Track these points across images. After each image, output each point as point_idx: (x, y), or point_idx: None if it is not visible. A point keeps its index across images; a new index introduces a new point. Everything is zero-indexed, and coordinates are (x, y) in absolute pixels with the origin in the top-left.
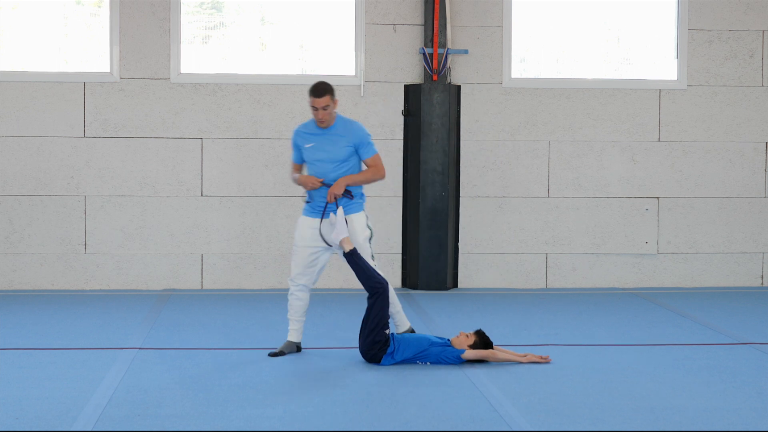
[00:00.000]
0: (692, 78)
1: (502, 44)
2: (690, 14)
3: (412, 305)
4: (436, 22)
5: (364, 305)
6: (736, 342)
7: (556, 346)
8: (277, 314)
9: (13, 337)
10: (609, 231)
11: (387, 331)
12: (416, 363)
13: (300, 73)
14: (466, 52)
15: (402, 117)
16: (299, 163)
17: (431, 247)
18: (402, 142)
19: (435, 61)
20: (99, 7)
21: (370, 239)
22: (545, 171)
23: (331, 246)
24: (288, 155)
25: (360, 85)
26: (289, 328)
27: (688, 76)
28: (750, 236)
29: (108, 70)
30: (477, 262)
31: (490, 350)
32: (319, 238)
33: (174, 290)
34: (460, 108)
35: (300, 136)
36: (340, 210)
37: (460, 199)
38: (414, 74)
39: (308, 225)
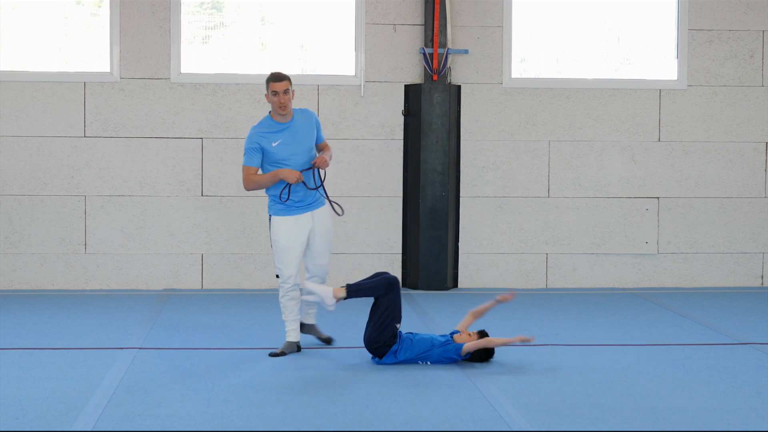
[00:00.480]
0: (692, 78)
1: (503, 44)
2: (690, 14)
3: (412, 305)
4: (436, 22)
5: (365, 305)
6: (736, 342)
7: (556, 346)
8: (278, 314)
9: (13, 337)
10: (609, 231)
11: (398, 325)
12: (417, 363)
13: (300, 73)
14: (466, 52)
15: (402, 117)
16: (257, 166)
17: (431, 247)
18: (402, 142)
19: (435, 61)
20: (99, 7)
21: None
22: (545, 171)
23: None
24: None
25: (360, 85)
26: (288, 329)
27: (689, 76)
28: (750, 236)
29: (108, 70)
30: (477, 262)
31: (486, 338)
32: (306, 234)
33: (174, 290)
34: (460, 108)
35: (263, 137)
36: (307, 285)
37: (461, 199)
38: (414, 74)
39: (293, 224)
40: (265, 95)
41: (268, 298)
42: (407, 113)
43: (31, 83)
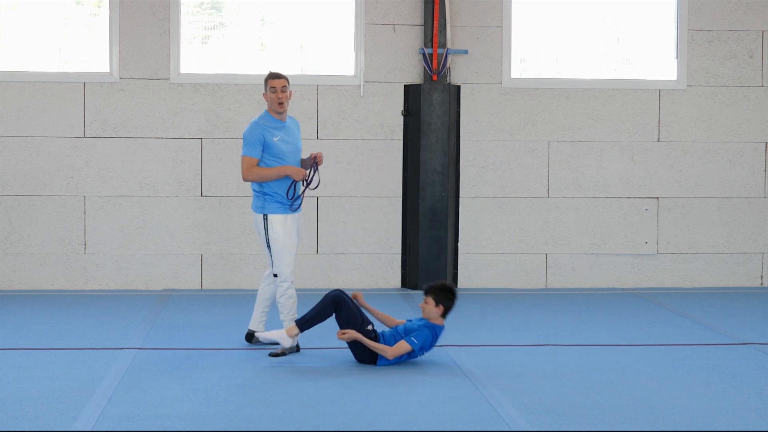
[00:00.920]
0: (692, 78)
1: (502, 44)
2: (690, 14)
3: (412, 305)
4: (435, 22)
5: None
6: (736, 342)
7: (555, 346)
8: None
9: (12, 337)
10: (609, 231)
11: (370, 327)
12: (410, 360)
13: (300, 73)
14: (465, 52)
15: (402, 117)
16: (258, 158)
17: (431, 247)
18: (402, 142)
19: (435, 61)
20: (99, 7)
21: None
22: (545, 171)
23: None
24: None
25: (360, 85)
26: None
27: (688, 77)
28: (750, 236)
29: (108, 70)
30: (477, 262)
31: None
32: (297, 232)
33: (174, 290)
34: (459, 108)
35: (266, 131)
36: (261, 335)
37: (460, 199)
38: (414, 74)
39: (291, 222)
40: (263, 94)
41: None
42: (407, 113)
43: (31, 83)
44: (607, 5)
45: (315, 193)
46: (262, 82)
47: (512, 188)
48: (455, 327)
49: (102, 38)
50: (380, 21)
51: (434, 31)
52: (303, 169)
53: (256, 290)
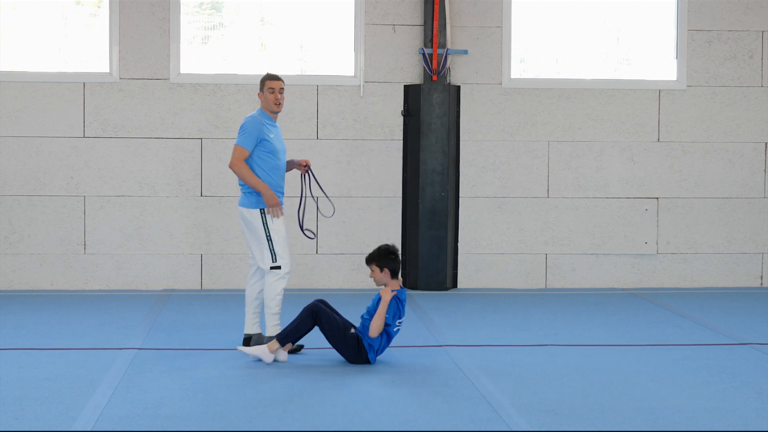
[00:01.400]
0: (692, 78)
1: (502, 44)
2: (689, 15)
3: (411, 306)
4: (435, 23)
5: (366, 304)
6: (736, 342)
7: (555, 347)
8: None
9: (12, 337)
10: (608, 231)
11: (352, 331)
12: (395, 329)
13: (300, 73)
14: (465, 52)
15: (401, 117)
16: (250, 151)
17: (431, 248)
18: (401, 142)
19: (434, 62)
20: (98, 7)
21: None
22: (545, 171)
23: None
24: None
25: (359, 86)
26: (277, 323)
27: (688, 77)
28: (749, 237)
29: (107, 71)
30: (476, 262)
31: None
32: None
33: (173, 290)
34: (459, 108)
35: (264, 126)
36: (242, 349)
37: (460, 199)
38: (413, 74)
39: (283, 216)
40: (259, 94)
41: None
42: (407, 113)
43: (31, 83)
44: (607, 5)
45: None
46: None
47: (512, 188)
48: (455, 327)
49: (102, 38)
50: (380, 21)
51: (434, 32)
52: (277, 200)
53: None
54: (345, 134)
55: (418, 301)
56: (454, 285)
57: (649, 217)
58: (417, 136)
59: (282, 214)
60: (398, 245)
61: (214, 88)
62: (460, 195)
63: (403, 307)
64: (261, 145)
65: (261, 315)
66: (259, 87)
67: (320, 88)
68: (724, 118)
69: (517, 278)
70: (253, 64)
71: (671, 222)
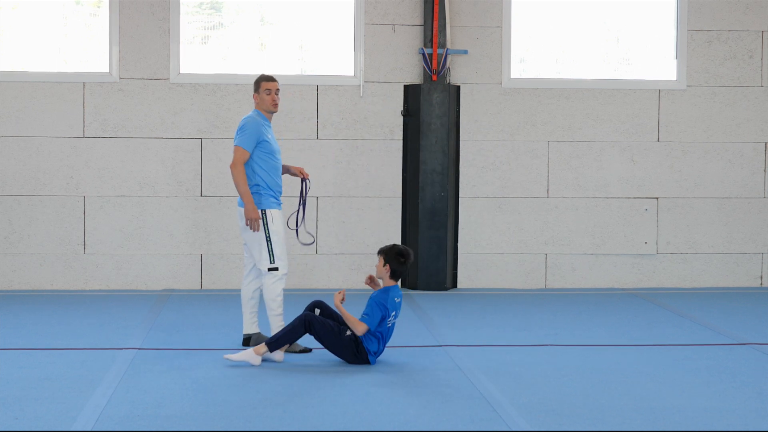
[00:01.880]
0: (691, 78)
1: (502, 44)
2: (689, 14)
3: (411, 306)
4: (435, 23)
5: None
6: (736, 342)
7: (555, 347)
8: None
9: (12, 337)
10: (608, 231)
11: (348, 333)
12: (390, 320)
13: (299, 73)
14: (465, 52)
15: (401, 117)
16: (250, 152)
17: (430, 248)
18: (401, 142)
19: (434, 62)
20: (98, 7)
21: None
22: (544, 171)
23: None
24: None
25: (359, 86)
26: (280, 324)
27: (688, 77)
28: (749, 236)
29: (107, 71)
30: (476, 262)
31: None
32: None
33: (173, 290)
34: (459, 108)
35: (263, 127)
36: (229, 357)
37: (460, 199)
38: (413, 74)
39: (283, 216)
40: (254, 95)
41: None
42: (406, 113)
43: (31, 83)
44: (607, 5)
45: (314, 193)
46: None
47: (512, 188)
48: (455, 327)
49: (101, 38)
50: (380, 21)
51: (434, 31)
52: (258, 214)
53: None
54: (345, 134)
55: (418, 301)
56: (454, 285)
57: (648, 217)
58: (417, 136)
59: (259, 228)
60: None
61: (213, 88)
62: (460, 195)
63: (389, 303)
64: (260, 146)
65: (260, 314)
66: (253, 88)
67: (320, 88)
68: (724, 118)
69: (517, 278)
70: (252, 64)
71: (671, 222)
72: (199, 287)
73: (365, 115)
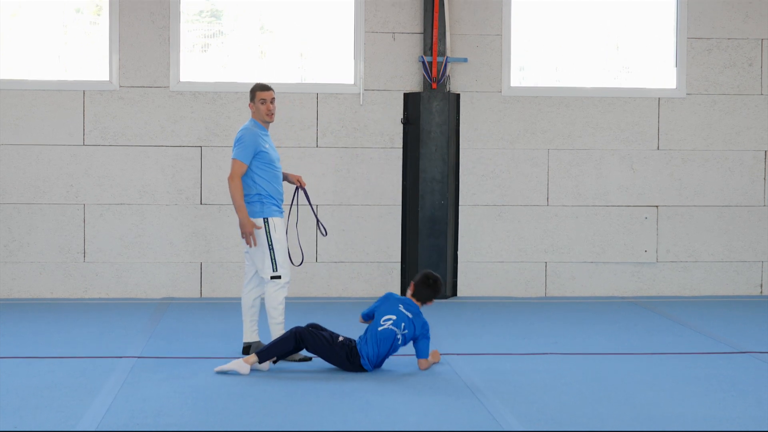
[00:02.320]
0: (691, 86)
1: (502, 52)
2: (689, 23)
3: None
4: (435, 31)
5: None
6: (736, 351)
7: (555, 355)
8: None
9: (11, 345)
10: (608, 239)
11: (341, 339)
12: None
13: (299, 81)
14: (465, 60)
15: (401, 125)
16: (248, 165)
17: (430, 256)
18: (401, 150)
19: (434, 70)
20: (98, 15)
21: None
22: (544, 179)
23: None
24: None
25: (359, 94)
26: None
27: (687, 85)
28: (749, 245)
29: (107, 78)
30: (476, 270)
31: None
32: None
33: (173, 299)
34: (459, 116)
35: (260, 138)
36: (219, 368)
37: (459, 207)
38: (413, 82)
39: (285, 225)
40: (250, 104)
41: None
42: (406, 121)
43: (31, 91)
44: (607, 13)
45: (314, 201)
46: None
47: (512, 196)
48: (455, 335)
49: (101, 46)
50: (380, 29)
51: (434, 40)
52: (251, 228)
53: None
54: (345, 142)
55: None
56: (454, 293)
57: (648, 226)
58: (417, 144)
59: (253, 243)
60: (398, 253)
61: (213, 96)
62: (460, 203)
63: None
64: (258, 156)
65: (260, 322)
66: (249, 97)
67: (320, 96)
68: (724, 126)
69: (517, 286)
70: (252, 72)
71: (671, 230)
72: (198, 295)
73: (365, 123)
